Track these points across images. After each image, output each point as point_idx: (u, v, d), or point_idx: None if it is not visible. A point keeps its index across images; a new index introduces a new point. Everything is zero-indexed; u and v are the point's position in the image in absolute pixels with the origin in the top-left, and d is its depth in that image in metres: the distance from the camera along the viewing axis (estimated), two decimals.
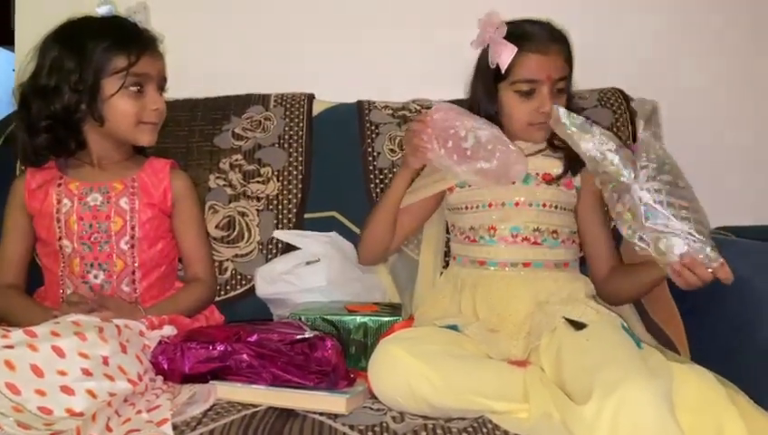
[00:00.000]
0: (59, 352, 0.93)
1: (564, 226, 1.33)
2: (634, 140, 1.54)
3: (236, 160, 1.54)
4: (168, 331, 1.14)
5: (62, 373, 0.92)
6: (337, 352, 1.07)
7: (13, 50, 1.83)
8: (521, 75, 1.30)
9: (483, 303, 1.27)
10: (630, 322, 1.27)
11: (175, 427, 0.94)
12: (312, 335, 1.08)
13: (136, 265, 1.33)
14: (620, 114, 1.57)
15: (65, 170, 1.35)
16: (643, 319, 1.33)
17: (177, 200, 1.38)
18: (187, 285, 1.39)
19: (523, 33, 1.31)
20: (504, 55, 1.30)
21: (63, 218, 1.31)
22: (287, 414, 1.01)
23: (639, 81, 1.66)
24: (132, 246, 1.33)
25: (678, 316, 1.25)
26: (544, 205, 1.32)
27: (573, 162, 1.32)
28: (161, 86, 1.35)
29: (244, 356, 1.07)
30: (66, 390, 0.92)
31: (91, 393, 0.93)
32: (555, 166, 1.35)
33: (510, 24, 1.31)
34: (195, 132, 1.57)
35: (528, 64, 1.29)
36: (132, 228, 1.33)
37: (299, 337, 1.07)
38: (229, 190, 1.53)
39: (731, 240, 1.35)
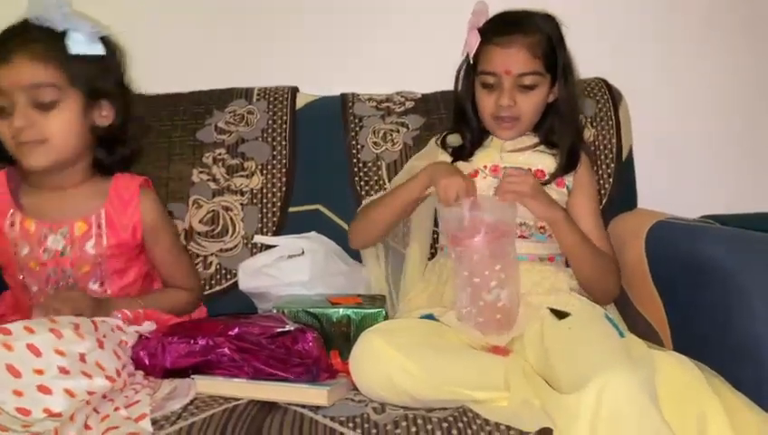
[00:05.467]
0: (34, 351, 0.92)
1: None
2: (617, 127, 1.54)
3: (220, 155, 1.53)
4: (147, 327, 1.13)
5: (39, 372, 0.92)
6: (318, 344, 1.07)
7: None
8: (483, 67, 1.30)
9: None
10: (611, 313, 1.26)
11: (155, 422, 0.94)
12: (293, 328, 1.08)
13: (108, 293, 1.27)
14: (603, 103, 1.56)
15: (17, 195, 1.23)
16: (627, 308, 1.33)
17: (148, 231, 1.28)
18: (169, 288, 1.35)
19: (491, 23, 1.30)
20: (470, 44, 1.30)
21: (23, 262, 1.21)
22: (269, 407, 1.00)
23: (620, 69, 1.66)
24: (102, 283, 1.27)
25: (661, 306, 1.25)
26: None
27: (568, 160, 1.32)
28: (36, 99, 1.14)
29: (226, 350, 1.06)
30: (43, 389, 0.91)
31: (69, 393, 0.92)
32: (548, 163, 1.33)
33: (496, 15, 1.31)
34: (177, 127, 1.55)
35: (488, 56, 1.28)
36: (101, 268, 1.25)
37: (279, 330, 1.07)
38: (213, 185, 1.52)
39: (714, 228, 1.35)
